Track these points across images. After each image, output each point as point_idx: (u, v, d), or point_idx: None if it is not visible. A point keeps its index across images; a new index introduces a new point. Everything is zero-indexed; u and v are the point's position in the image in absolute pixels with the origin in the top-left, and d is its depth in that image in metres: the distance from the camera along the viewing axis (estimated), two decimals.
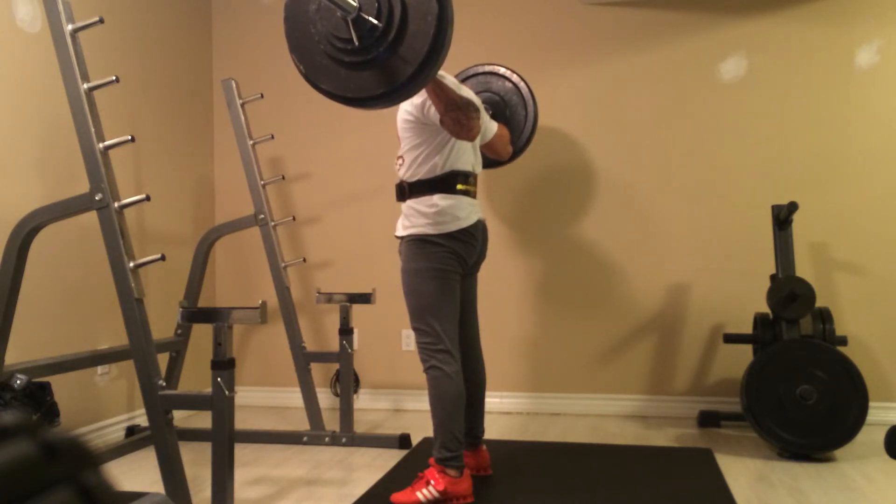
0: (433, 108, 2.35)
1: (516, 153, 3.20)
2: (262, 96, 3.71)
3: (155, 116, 3.80)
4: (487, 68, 3.26)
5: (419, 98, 2.39)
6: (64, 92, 2.34)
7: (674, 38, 3.82)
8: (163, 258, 2.34)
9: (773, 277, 3.34)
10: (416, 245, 2.51)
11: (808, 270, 3.61)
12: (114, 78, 2.36)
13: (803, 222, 3.54)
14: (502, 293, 3.93)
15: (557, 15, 3.93)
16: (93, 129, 2.32)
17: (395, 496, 2.49)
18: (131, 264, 2.31)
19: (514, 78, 3.22)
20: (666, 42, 3.82)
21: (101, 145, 2.33)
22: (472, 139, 2.40)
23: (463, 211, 2.51)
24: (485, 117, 2.74)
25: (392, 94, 1.95)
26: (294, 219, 4.01)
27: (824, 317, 3.25)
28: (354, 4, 1.86)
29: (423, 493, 2.44)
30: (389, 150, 3.84)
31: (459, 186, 2.51)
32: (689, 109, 3.80)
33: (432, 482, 2.44)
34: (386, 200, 3.83)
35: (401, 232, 2.58)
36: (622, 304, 3.85)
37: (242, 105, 3.55)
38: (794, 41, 3.70)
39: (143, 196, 2.36)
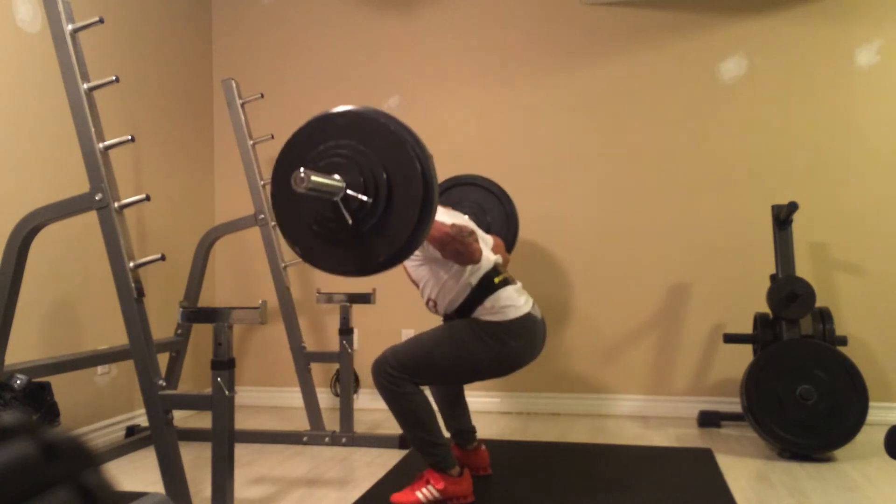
0: (431, 246, 2.34)
1: (510, 246, 3.20)
2: (262, 96, 3.71)
3: (155, 116, 3.80)
4: (465, 179, 3.23)
5: None
6: (64, 92, 2.34)
7: (674, 38, 3.82)
8: (163, 258, 2.34)
9: (773, 277, 3.34)
10: (481, 327, 2.41)
11: (808, 270, 3.61)
12: (114, 78, 2.35)
13: (803, 222, 3.54)
14: None
15: (557, 15, 3.92)
16: (93, 129, 2.32)
17: (395, 496, 2.49)
18: (131, 264, 2.31)
19: (491, 187, 3.20)
20: (666, 42, 3.82)
21: (101, 145, 2.33)
22: (476, 262, 2.37)
23: (514, 298, 2.45)
24: (479, 233, 2.68)
25: (392, 261, 1.94)
26: None
27: (824, 317, 3.25)
28: (341, 185, 1.85)
29: (423, 493, 2.44)
30: None
31: (496, 280, 2.46)
32: (689, 109, 3.80)
33: (432, 482, 2.44)
34: None
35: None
36: (622, 304, 3.85)
37: (242, 105, 3.55)
38: (794, 41, 3.70)
39: (143, 196, 2.36)
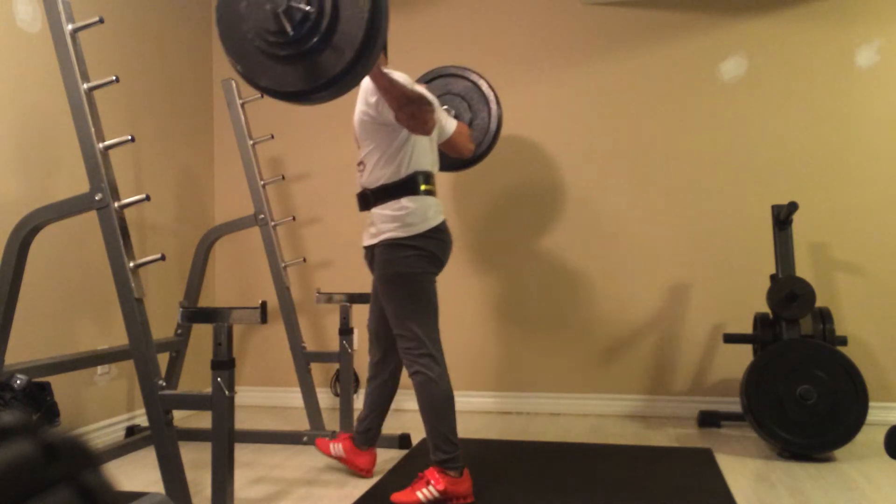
0: (387, 106, 2.34)
1: (482, 154, 3.13)
2: (262, 96, 3.70)
3: (155, 116, 3.80)
4: (450, 70, 3.21)
5: (373, 97, 2.39)
6: (64, 92, 2.34)
7: (674, 38, 3.82)
8: (163, 258, 2.34)
9: (773, 277, 3.34)
10: (389, 250, 2.50)
11: (808, 270, 3.61)
12: (114, 78, 2.36)
13: (803, 222, 3.54)
14: (504, 293, 3.93)
15: (557, 14, 3.93)
16: (93, 129, 2.32)
17: (396, 496, 2.49)
18: (131, 264, 2.31)
19: (473, 77, 3.14)
20: (666, 42, 3.82)
21: (101, 145, 2.33)
22: (428, 133, 2.41)
23: (431, 210, 2.52)
24: (442, 115, 2.74)
25: (333, 85, 1.91)
26: (294, 219, 4.01)
27: (824, 317, 3.25)
28: None
29: (423, 493, 2.44)
30: None
31: (423, 187, 2.51)
32: (689, 109, 3.80)
33: (432, 482, 2.45)
34: None
35: (369, 241, 2.58)
36: (622, 304, 3.85)
37: (242, 105, 3.55)
38: (794, 41, 3.70)
39: (142, 196, 2.36)
